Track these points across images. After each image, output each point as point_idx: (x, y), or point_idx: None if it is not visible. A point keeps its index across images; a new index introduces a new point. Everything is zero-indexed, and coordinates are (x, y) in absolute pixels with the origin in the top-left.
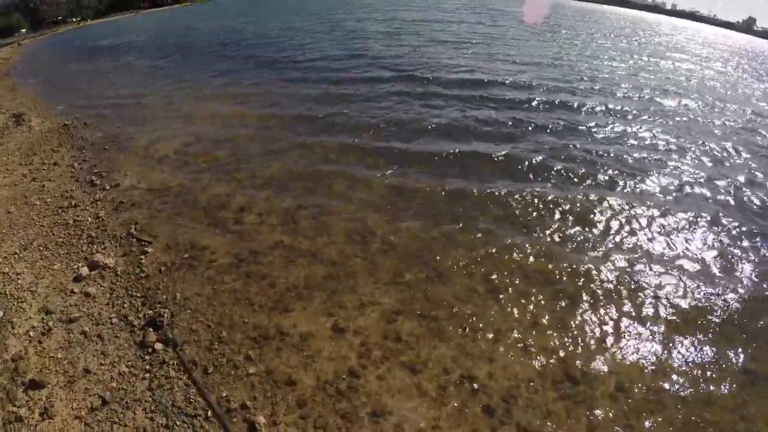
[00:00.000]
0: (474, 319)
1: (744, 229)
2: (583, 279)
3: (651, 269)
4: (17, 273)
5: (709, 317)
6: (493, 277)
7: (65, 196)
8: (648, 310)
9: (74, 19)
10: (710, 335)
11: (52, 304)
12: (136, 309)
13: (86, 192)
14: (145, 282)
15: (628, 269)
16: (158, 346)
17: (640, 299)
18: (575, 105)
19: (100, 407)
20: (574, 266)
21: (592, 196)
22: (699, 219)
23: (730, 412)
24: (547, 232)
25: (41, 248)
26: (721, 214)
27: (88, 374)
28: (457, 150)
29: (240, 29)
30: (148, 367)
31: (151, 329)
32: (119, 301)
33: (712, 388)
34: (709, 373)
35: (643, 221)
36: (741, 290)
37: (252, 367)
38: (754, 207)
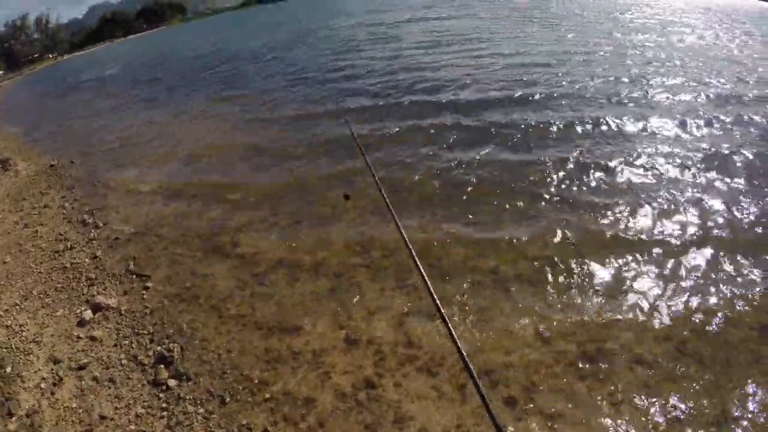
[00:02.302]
0: (483, 312)
1: None
2: (589, 259)
3: (667, 241)
4: (20, 325)
5: (735, 276)
6: (497, 268)
7: (59, 240)
8: (661, 278)
9: (50, 56)
10: (731, 292)
11: (60, 353)
12: (144, 347)
13: (80, 233)
14: (150, 318)
15: (638, 246)
16: (172, 382)
17: (649, 270)
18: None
19: None
20: (579, 248)
21: (594, 181)
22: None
23: (753, 370)
24: (547, 216)
25: (42, 296)
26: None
27: (105, 420)
28: (452, 139)
29: (215, 49)
30: (164, 405)
31: (162, 366)
32: (126, 341)
33: (733, 347)
34: (731, 330)
35: (657, 199)
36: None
37: (268, 391)
38: None
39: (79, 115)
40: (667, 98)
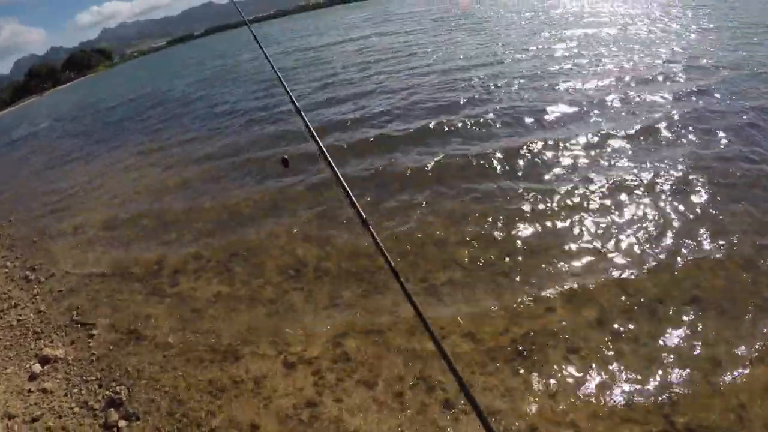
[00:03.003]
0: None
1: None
2: (516, 253)
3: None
4: None
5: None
6: (427, 275)
7: (3, 298)
8: (586, 268)
9: None
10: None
11: (14, 408)
12: (94, 393)
13: (23, 289)
14: (98, 364)
15: (558, 239)
16: (122, 423)
17: (574, 262)
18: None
19: None
20: (505, 245)
21: (516, 187)
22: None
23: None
24: (471, 220)
25: None
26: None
27: None
28: (376, 162)
29: (143, 93)
30: None
31: (112, 409)
32: (76, 390)
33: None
34: (659, 308)
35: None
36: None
37: (215, 421)
38: None
39: (14, 174)
40: (612, 108)
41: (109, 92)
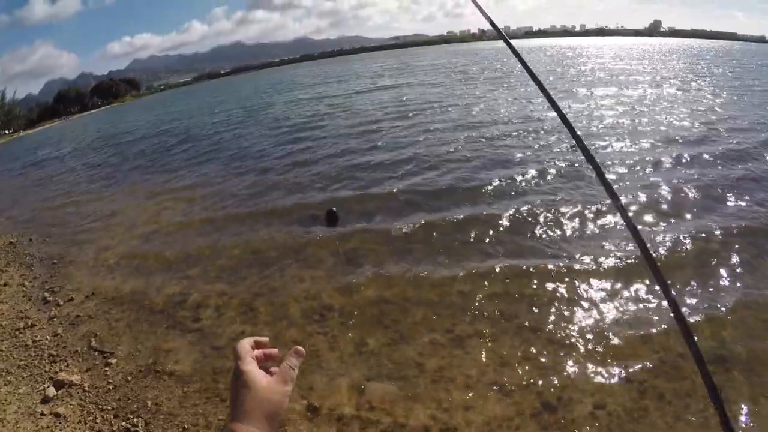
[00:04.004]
0: (443, 371)
1: None
2: (541, 309)
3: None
4: None
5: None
6: (454, 326)
7: (20, 317)
8: (613, 325)
9: (6, 132)
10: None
11: (24, 430)
12: (109, 423)
13: (41, 310)
14: (114, 393)
15: (587, 299)
16: None
17: (602, 316)
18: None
19: None
20: (532, 300)
21: (544, 239)
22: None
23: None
24: (498, 271)
25: (4, 374)
26: None
27: None
28: (400, 204)
29: (168, 128)
30: None
31: None
32: (91, 417)
33: (691, 397)
34: (686, 381)
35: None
36: None
37: None
38: None
39: (37, 194)
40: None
41: (136, 124)
